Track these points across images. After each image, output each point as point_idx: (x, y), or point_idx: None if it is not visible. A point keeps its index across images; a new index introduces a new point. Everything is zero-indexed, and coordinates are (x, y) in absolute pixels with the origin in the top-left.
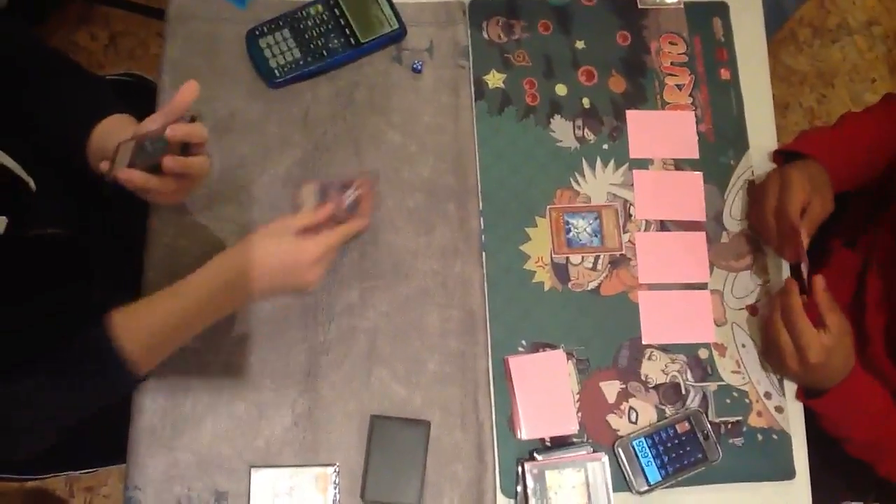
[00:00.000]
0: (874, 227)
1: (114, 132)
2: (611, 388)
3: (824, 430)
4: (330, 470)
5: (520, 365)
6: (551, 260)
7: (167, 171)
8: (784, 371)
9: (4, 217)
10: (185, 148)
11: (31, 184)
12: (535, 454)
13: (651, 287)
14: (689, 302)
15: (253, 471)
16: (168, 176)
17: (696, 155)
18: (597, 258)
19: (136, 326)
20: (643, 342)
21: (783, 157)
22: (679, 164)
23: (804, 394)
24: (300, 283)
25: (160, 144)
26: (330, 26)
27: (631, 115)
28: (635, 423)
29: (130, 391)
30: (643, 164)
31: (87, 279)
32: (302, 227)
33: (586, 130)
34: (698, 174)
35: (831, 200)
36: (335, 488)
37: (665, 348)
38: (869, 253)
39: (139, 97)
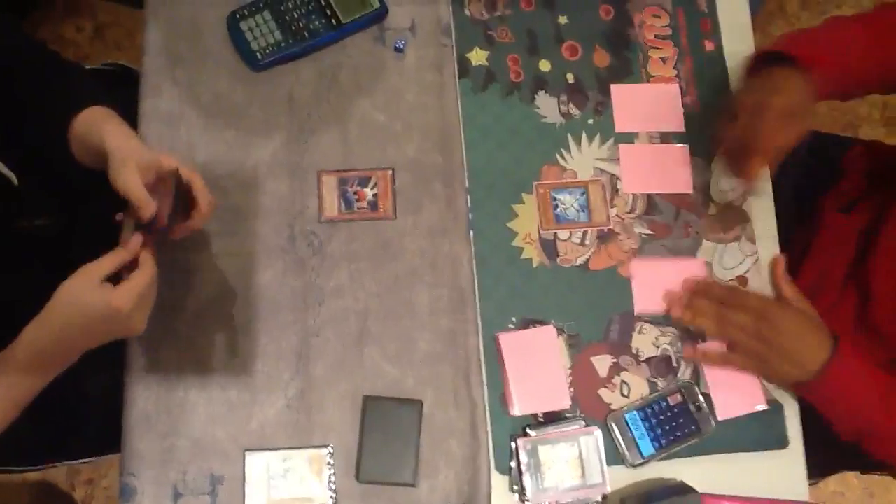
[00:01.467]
0: (886, 190)
1: (95, 127)
2: (602, 363)
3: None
4: (324, 451)
5: (510, 342)
6: (539, 236)
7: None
8: (756, 359)
9: None
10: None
11: (14, 179)
12: (528, 430)
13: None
14: (681, 270)
15: (247, 454)
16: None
17: (681, 128)
18: (584, 233)
19: None
20: (635, 312)
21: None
22: (665, 138)
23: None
24: (123, 333)
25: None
26: (311, 7)
27: (616, 89)
28: (627, 396)
29: None
30: (629, 138)
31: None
32: (107, 274)
33: (571, 106)
34: (684, 147)
35: (808, 124)
36: (330, 469)
37: (656, 321)
38: (879, 215)
39: (123, 87)
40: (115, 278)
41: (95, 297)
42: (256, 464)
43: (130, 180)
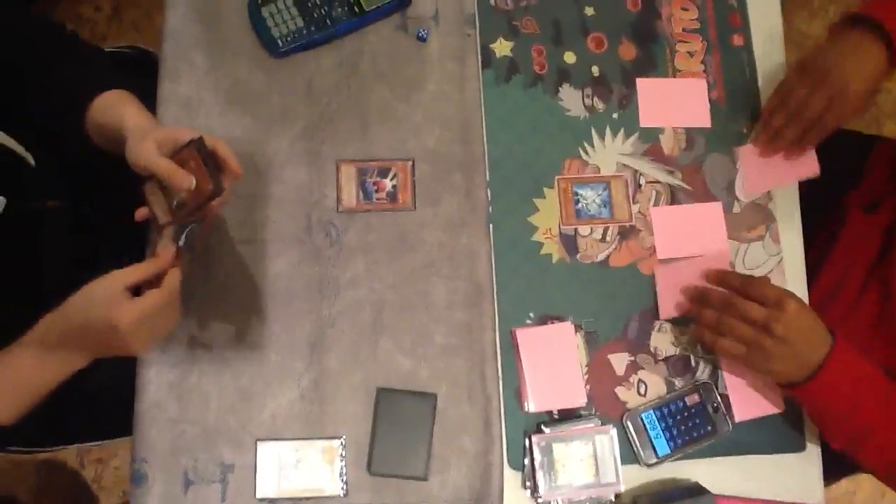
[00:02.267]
0: None
1: (111, 108)
2: (619, 361)
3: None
4: (336, 443)
5: (527, 337)
6: (559, 231)
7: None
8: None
9: (2, 198)
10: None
11: (30, 159)
12: (542, 427)
13: (663, 262)
14: (704, 269)
15: (259, 444)
16: None
17: (707, 124)
18: (606, 229)
19: None
20: (661, 318)
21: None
22: (690, 134)
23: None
24: (120, 350)
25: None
26: None
27: (641, 83)
28: (644, 395)
29: None
30: (653, 133)
31: (89, 250)
32: (130, 284)
33: (595, 99)
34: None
35: (870, 105)
36: (342, 461)
37: (674, 320)
38: None
39: (140, 70)
40: (138, 291)
41: (102, 305)
42: (268, 453)
43: (153, 153)
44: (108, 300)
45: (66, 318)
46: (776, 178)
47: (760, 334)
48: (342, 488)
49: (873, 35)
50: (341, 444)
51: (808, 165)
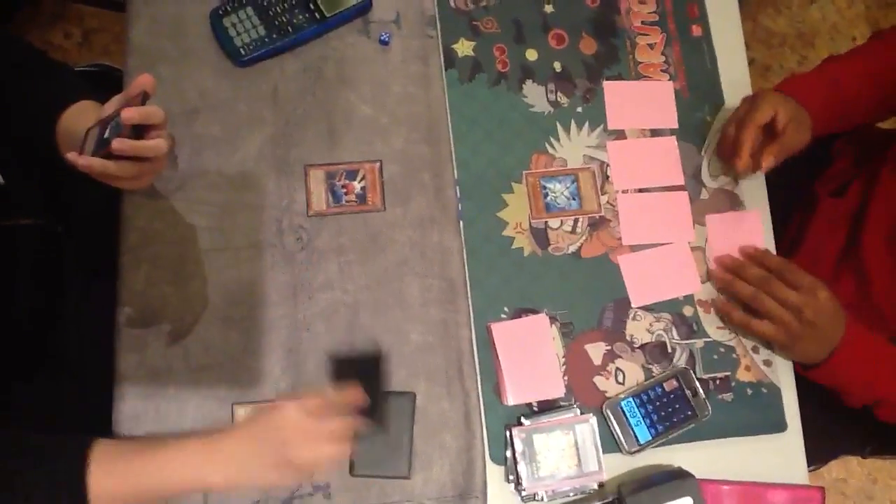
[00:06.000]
0: (871, 171)
1: (82, 119)
2: (596, 350)
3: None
4: None
5: (503, 331)
6: (530, 225)
7: (117, 154)
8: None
9: None
10: (144, 130)
11: (0, 178)
12: (522, 419)
13: (634, 249)
14: (670, 257)
15: (235, 406)
16: (126, 160)
17: (675, 125)
18: (576, 221)
19: (108, 472)
20: (633, 306)
21: None
22: (657, 134)
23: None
24: (298, 470)
25: (117, 130)
26: (294, 2)
27: (608, 85)
28: (622, 383)
29: None
30: (621, 134)
31: (61, 267)
32: (311, 410)
33: (559, 94)
34: (672, 138)
35: (808, 134)
36: None
37: (649, 308)
38: (868, 195)
39: (107, 87)
40: None
41: (287, 429)
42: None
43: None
44: (298, 417)
45: (249, 431)
46: (641, 180)
47: (792, 317)
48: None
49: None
50: None
51: (675, 173)
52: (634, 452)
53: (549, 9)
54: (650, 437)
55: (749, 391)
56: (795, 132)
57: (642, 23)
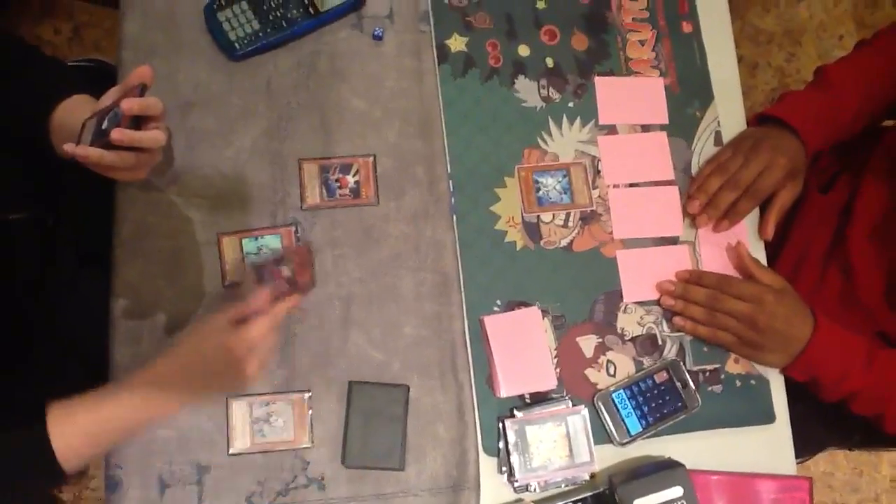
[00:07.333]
0: (857, 165)
1: (76, 112)
2: (588, 343)
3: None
4: (306, 396)
5: (495, 324)
6: (522, 219)
7: (116, 144)
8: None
9: None
10: (142, 121)
11: None
12: (514, 411)
13: (626, 243)
14: (666, 257)
15: (230, 399)
16: (124, 151)
17: (665, 120)
18: (567, 215)
19: (70, 431)
20: (625, 301)
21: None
22: (648, 129)
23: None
24: (238, 377)
25: (115, 120)
26: None
27: (600, 81)
28: (614, 376)
29: (49, 488)
30: (612, 129)
31: (53, 260)
32: (235, 318)
33: (551, 89)
34: (662, 133)
35: (801, 185)
36: (310, 411)
37: (641, 301)
38: (853, 190)
39: (101, 82)
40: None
41: (214, 336)
42: (240, 409)
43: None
44: (219, 330)
45: (177, 356)
46: (632, 175)
47: (745, 328)
48: (311, 441)
49: (786, 131)
50: (308, 396)
51: (666, 168)
52: (625, 443)
53: (541, 5)
54: (641, 429)
55: (738, 383)
56: (793, 192)
57: (633, 19)
